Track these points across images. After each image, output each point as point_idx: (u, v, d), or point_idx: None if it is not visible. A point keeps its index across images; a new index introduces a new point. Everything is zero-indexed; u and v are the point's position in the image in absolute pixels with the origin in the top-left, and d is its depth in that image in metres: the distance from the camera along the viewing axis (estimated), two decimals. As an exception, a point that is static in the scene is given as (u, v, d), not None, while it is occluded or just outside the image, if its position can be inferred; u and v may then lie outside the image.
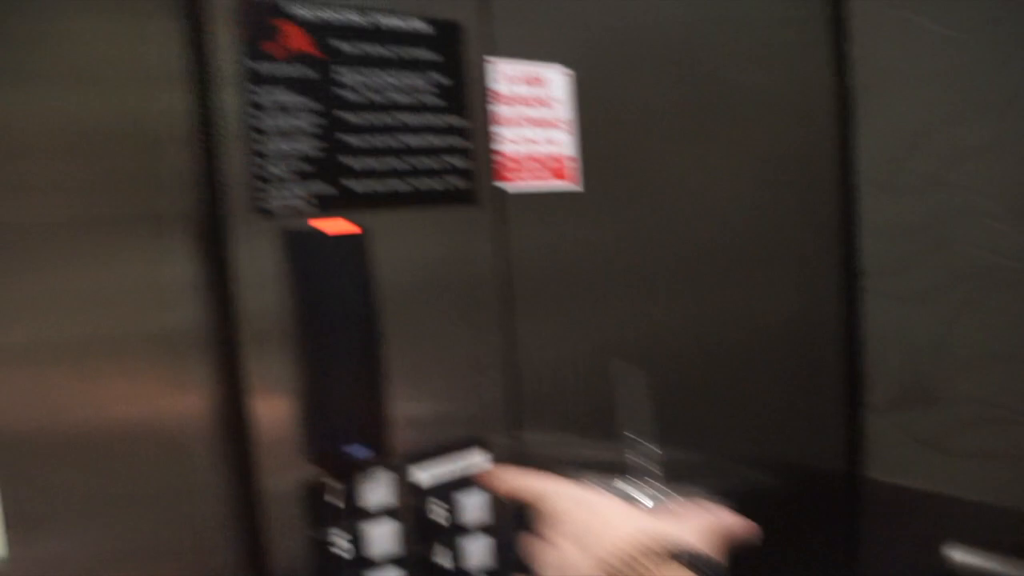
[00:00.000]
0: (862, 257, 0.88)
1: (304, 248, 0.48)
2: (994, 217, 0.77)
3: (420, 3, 0.54)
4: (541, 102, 0.62)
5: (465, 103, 0.56)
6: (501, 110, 0.59)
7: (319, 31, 0.49)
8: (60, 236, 0.43)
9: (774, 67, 0.81)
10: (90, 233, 0.44)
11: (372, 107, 0.51)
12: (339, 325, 0.49)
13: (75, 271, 0.44)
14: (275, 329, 0.48)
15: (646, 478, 0.59)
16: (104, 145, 0.44)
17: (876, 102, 0.86)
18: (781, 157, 0.82)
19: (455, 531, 0.56)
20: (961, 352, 0.81)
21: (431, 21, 0.54)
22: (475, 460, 0.57)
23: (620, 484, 0.56)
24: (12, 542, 0.42)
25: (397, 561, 0.53)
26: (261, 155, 0.47)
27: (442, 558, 0.55)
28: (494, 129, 0.58)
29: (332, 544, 0.50)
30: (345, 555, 0.51)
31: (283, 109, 0.48)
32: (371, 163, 0.51)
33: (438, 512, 0.55)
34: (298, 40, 0.48)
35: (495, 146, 0.58)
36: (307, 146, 0.48)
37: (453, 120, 0.55)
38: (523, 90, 0.61)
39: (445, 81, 0.55)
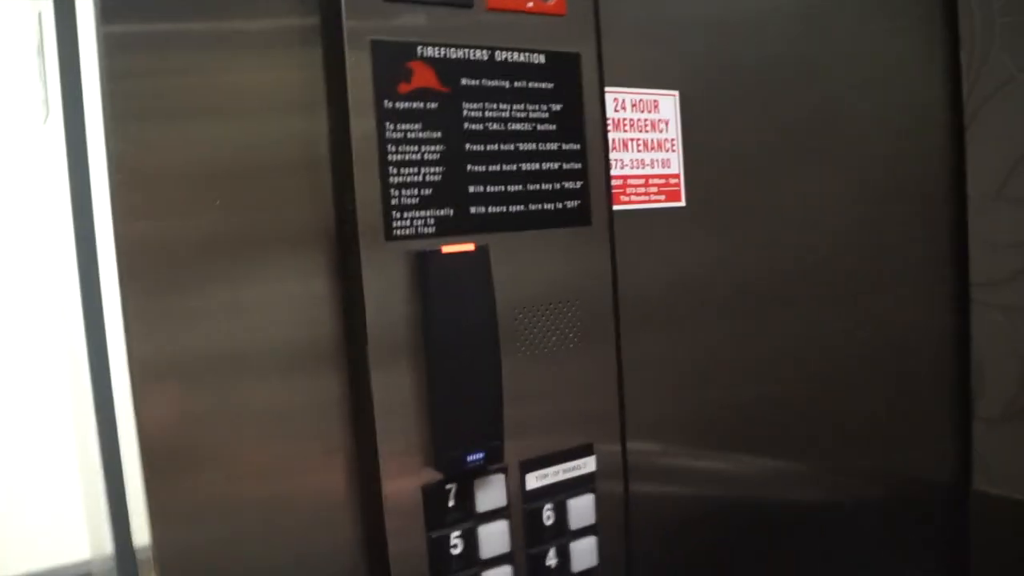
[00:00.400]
0: (973, 269, 0.87)
1: (429, 268, 0.51)
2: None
3: (538, 37, 0.56)
4: (652, 126, 0.64)
5: (580, 130, 0.59)
6: (614, 135, 0.62)
7: (445, 68, 0.53)
8: (204, 255, 0.48)
9: (885, 81, 0.81)
10: (230, 253, 0.49)
11: (493, 136, 0.55)
12: (461, 339, 0.52)
13: (217, 288, 0.48)
14: (400, 344, 0.52)
15: None
16: (246, 171, 0.49)
17: (989, 114, 0.85)
18: (891, 170, 0.82)
19: (564, 533, 0.59)
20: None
21: (549, 53, 0.57)
22: (584, 466, 0.60)
23: None
24: (156, 535, 0.47)
25: (509, 561, 0.56)
26: (390, 183, 0.51)
27: (551, 559, 0.58)
28: (607, 153, 0.61)
29: (449, 544, 0.54)
30: (461, 555, 0.54)
31: (411, 141, 0.51)
32: (492, 188, 0.55)
33: (548, 515, 0.58)
34: (426, 77, 0.52)
35: (608, 170, 0.61)
36: (432, 174, 0.52)
37: (568, 146, 0.58)
38: (635, 115, 0.63)
39: (561, 109, 0.58)
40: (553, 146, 0.57)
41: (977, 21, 0.84)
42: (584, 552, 0.60)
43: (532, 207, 0.57)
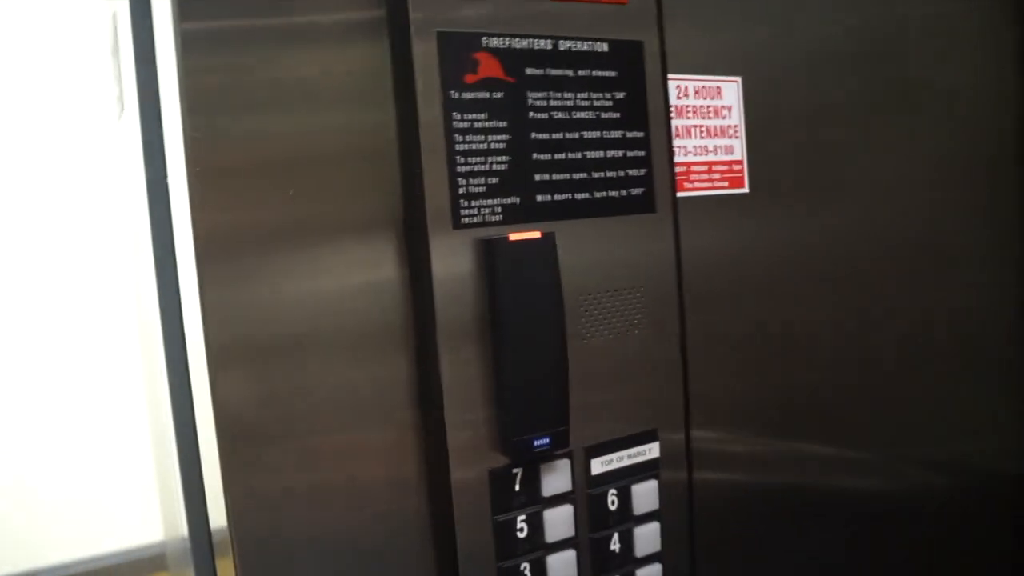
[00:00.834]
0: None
1: (497, 255, 0.52)
2: None
3: (601, 26, 0.57)
4: (715, 112, 0.64)
5: (643, 117, 0.59)
6: (677, 122, 0.62)
7: (510, 58, 0.53)
8: (277, 243, 0.49)
9: (956, 61, 0.79)
10: (303, 242, 0.50)
11: (558, 125, 0.55)
12: (528, 325, 0.53)
13: (291, 275, 0.50)
14: (468, 330, 0.53)
15: None
16: (317, 162, 0.50)
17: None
18: (961, 149, 0.80)
19: (628, 518, 0.59)
20: None
21: (612, 42, 0.57)
22: (648, 451, 0.60)
23: None
24: (233, 517, 0.48)
25: (573, 545, 0.57)
26: (457, 172, 0.51)
27: (615, 544, 0.59)
28: (671, 140, 0.61)
29: (515, 528, 0.55)
30: (526, 538, 0.55)
31: (477, 131, 0.52)
32: (557, 177, 0.55)
33: (612, 500, 0.58)
34: (491, 67, 0.52)
35: (671, 157, 0.61)
36: (498, 163, 0.53)
37: (633, 134, 0.58)
38: (698, 102, 0.63)
39: (625, 97, 0.58)
40: (617, 134, 0.58)
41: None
42: (648, 537, 0.60)
43: (597, 194, 0.57)
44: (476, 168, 0.52)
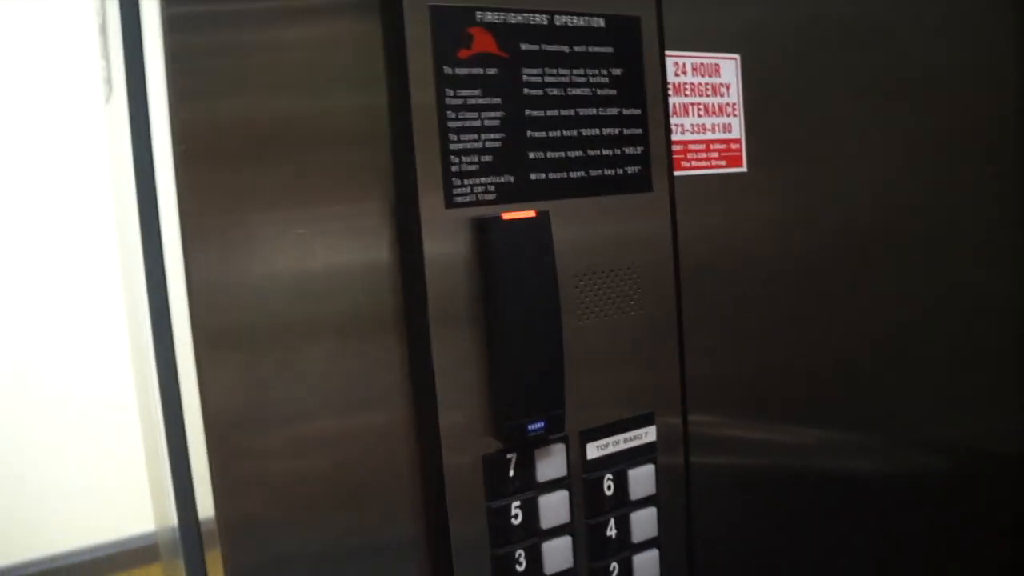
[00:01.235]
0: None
1: (490, 235, 0.51)
2: None
3: (598, 1, 0.56)
4: (713, 90, 0.63)
5: (640, 95, 0.58)
6: (674, 99, 0.61)
7: (504, 33, 0.52)
8: (267, 226, 0.48)
9: (956, 39, 0.78)
10: (294, 224, 0.49)
11: (553, 102, 0.54)
12: (522, 307, 0.52)
13: (281, 258, 0.48)
14: (462, 312, 0.52)
15: None
16: (308, 143, 0.49)
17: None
18: (962, 131, 0.79)
19: (625, 504, 0.58)
20: None
21: (609, 17, 0.56)
22: (644, 435, 0.59)
23: None
24: (220, 507, 0.47)
25: (569, 531, 0.56)
26: (450, 150, 0.50)
27: (611, 530, 0.58)
28: (668, 118, 0.60)
29: (510, 514, 0.54)
30: (521, 525, 0.54)
31: (471, 108, 0.51)
32: (552, 155, 0.54)
33: (608, 485, 0.58)
34: (485, 43, 0.51)
35: (669, 135, 0.60)
36: (492, 141, 0.52)
37: (629, 111, 0.57)
38: (696, 79, 0.62)
39: (622, 74, 0.57)
40: (613, 111, 0.56)
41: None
42: (644, 523, 0.59)
43: (593, 173, 0.56)
44: (469, 146, 0.51)
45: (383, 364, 0.52)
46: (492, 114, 0.52)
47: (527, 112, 0.53)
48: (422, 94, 0.50)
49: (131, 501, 2.01)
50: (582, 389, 0.56)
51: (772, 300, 0.68)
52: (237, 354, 0.47)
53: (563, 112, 0.54)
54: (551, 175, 0.54)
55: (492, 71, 0.52)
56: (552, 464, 0.55)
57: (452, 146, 0.50)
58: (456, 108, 0.50)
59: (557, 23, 0.54)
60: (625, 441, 0.58)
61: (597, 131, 0.56)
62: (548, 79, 0.54)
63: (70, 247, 2.05)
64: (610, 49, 0.56)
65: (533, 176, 0.53)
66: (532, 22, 0.53)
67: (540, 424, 0.53)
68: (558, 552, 0.55)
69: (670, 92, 0.61)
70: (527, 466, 0.54)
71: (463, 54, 0.51)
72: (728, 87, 0.64)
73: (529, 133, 0.53)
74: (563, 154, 0.54)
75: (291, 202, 0.49)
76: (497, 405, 0.52)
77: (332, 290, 0.50)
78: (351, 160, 0.50)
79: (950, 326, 0.80)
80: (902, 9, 0.75)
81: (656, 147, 0.58)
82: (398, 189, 0.51)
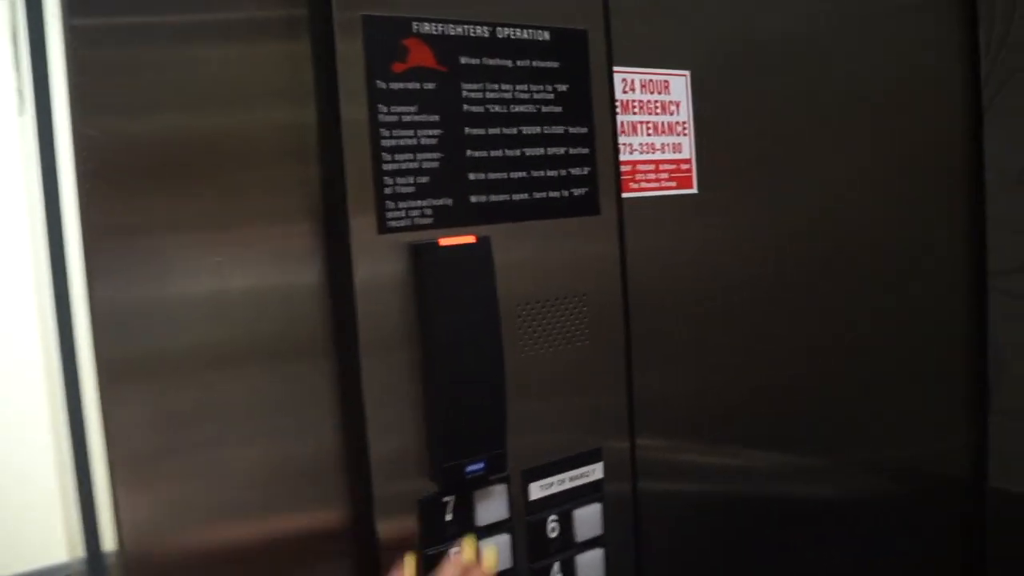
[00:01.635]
0: (991, 256, 0.84)
1: (426, 262, 0.47)
2: None
3: (543, 13, 0.53)
4: (663, 108, 0.60)
5: (587, 112, 0.55)
6: (623, 118, 0.58)
7: (443, 45, 0.49)
8: (181, 247, 0.44)
9: (902, 60, 0.78)
10: (211, 245, 0.45)
11: (495, 119, 0.51)
12: (461, 338, 0.48)
13: (197, 281, 0.44)
14: (395, 344, 0.48)
15: None
16: (231, 161, 0.45)
17: (1008, 97, 0.81)
18: (909, 154, 0.79)
19: (570, 546, 0.55)
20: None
21: (554, 30, 0.53)
22: (591, 473, 0.56)
23: None
24: (122, 544, 0.43)
25: (511, 575, 0.53)
26: (383, 170, 0.47)
27: (556, 574, 0.54)
28: (616, 137, 0.57)
29: (447, 559, 0.50)
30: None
31: (406, 125, 0.47)
32: (494, 176, 0.51)
33: (553, 527, 0.54)
34: (422, 56, 0.48)
35: (617, 155, 0.57)
36: (429, 161, 0.48)
37: (575, 130, 0.54)
38: (644, 96, 0.59)
39: (567, 90, 0.54)
40: (559, 129, 0.53)
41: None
42: (590, 565, 0.56)
43: (537, 195, 0.53)
44: (404, 166, 0.47)
45: (309, 394, 0.48)
46: (429, 132, 0.48)
47: (467, 130, 0.49)
48: (353, 110, 0.46)
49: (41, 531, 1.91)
50: (525, 424, 0.53)
51: (722, 325, 0.66)
52: (146, 384, 0.43)
53: (505, 130, 0.51)
54: (493, 197, 0.51)
55: (429, 86, 0.48)
56: (493, 506, 0.52)
57: (386, 166, 0.47)
58: (390, 125, 0.47)
59: (499, 35, 0.51)
60: (571, 480, 0.55)
61: (542, 150, 0.53)
62: (490, 95, 0.50)
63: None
64: (555, 64, 0.53)
65: (473, 199, 0.50)
66: (473, 34, 0.50)
67: (480, 465, 0.49)
68: (499, 600, 0.52)
69: (618, 110, 0.58)
70: (466, 508, 0.51)
71: (398, 67, 0.47)
72: (678, 105, 0.61)
73: (469, 152, 0.50)
74: (505, 175, 0.51)
75: (210, 223, 0.45)
76: (433, 444, 0.48)
77: (255, 315, 0.46)
78: (277, 180, 0.46)
79: (896, 351, 0.79)
80: (852, 28, 0.74)
81: (604, 168, 0.56)
82: (327, 212, 0.47)
